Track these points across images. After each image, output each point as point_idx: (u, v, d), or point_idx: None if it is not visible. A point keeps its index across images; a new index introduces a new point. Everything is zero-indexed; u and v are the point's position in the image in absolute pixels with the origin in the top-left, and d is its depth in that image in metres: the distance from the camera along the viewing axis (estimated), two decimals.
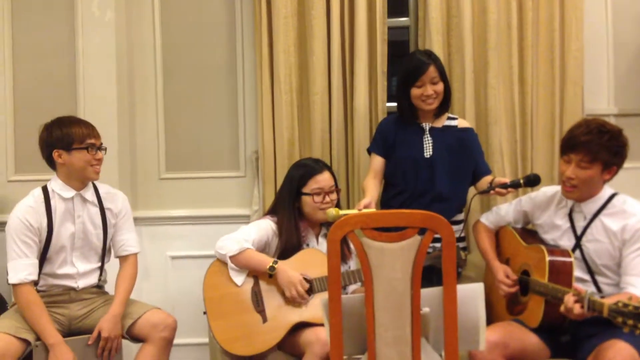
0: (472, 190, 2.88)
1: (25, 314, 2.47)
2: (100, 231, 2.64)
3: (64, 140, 2.52)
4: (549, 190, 2.62)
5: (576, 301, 2.13)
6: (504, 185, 2.58)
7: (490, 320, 2.55)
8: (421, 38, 3.29)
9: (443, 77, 2.79)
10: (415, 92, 2.79)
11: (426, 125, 2.84)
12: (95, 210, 2.64)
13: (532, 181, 2.57)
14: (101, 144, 2.63)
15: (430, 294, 1.83)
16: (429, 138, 2.82)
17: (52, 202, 2.56)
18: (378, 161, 2.91)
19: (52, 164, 2.59)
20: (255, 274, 2.61)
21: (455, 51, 3.22)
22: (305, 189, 2.70)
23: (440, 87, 2.78)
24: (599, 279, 2.40)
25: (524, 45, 3.23)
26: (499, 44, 3.21)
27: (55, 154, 2.54)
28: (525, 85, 3.25)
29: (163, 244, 3.42)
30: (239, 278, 2.58)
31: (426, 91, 2.75)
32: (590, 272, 2.42)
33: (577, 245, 2.44)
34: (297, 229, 2.70)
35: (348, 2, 3.23)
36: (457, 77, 3.18)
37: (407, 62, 2.88)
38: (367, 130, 3.23)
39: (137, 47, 3.40)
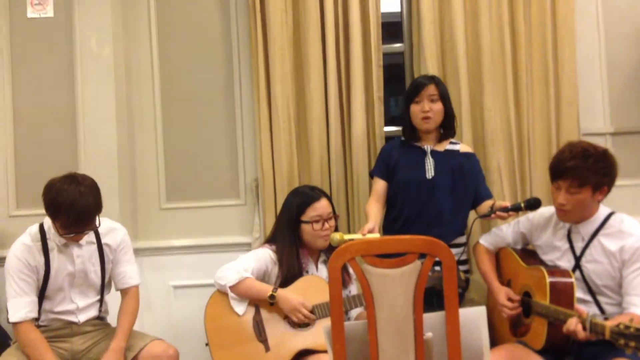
0: (473, 214, 2.89)
1: (27, 352, 2.45)
2: (99, 268, 2.63)
3: (49, 211, 2.43)
4: (546, 211, 2.62)
5: (578, 323, 2.13)
6: (505, 209, 2.59)
7: (494, 342, 2.55)
8: (416, 63, 3.33)
9: (444, 99, 2.84)
10: (413, 108, 2.83)
11: (428, 148, 2.87)
12: (93, 248, 2.61)
13: (533, 205, 2.58)
14: (87, 232, 2.49)
15: (432, 319, 1.83)
16: (431, 160, 2.84)
17: (49, 243, 2.54)
18: (380, 185, 2.92)
19: None
20: (256, 303, 2.60)
21: (450, 75, 3.26)
22: (304, 217, 2.71)
23: (438, 106, 2.81)
24: (601, 299, 2.40)
25: (518, 67, 3.27)
26: (493, 67, 3.25)
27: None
28: (521, 107, 3.28)
29: (165, 273, 3.41)
30: (240, 307, 2.58)
31: (423, 107, 2.79)
32: (592, 292, 2.41)
33: (577, 266, 2.44)
34: (298, 256, 2.71)
35: (343, 30, 3.27)
36: (453, 100, 3.18)
37: (410, 84, 2.96)
38: (365, 155, 3.26)
39: (136, 81, 3.44)
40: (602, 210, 2.46)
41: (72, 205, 2.36)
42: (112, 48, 3.28)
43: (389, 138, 3.28)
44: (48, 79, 3.31)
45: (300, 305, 2.55)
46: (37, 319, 2.53)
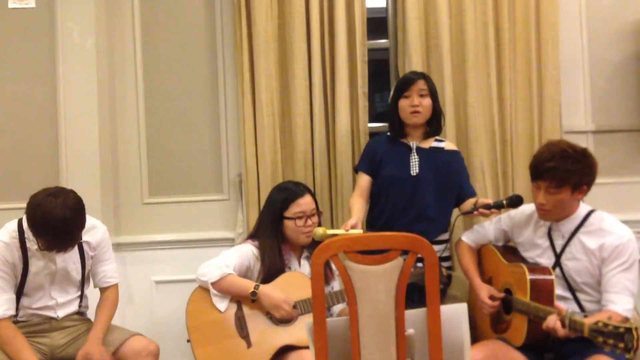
0: (456, 211, 2.90)
1: (5, 350, 2.42)
2: (79, 265, 2.61)
3: (33, 231, 2.41)
4: (527, 209, 2.64)
5: (557, 321, 2.15)
6: (487, 206, 2.61)
7: (475, 338, 2.56)
8: (401, 59, 3.33)
9: (432, 95, 2.85)
10: (402, 103, 2.84)
11: (413, 144, 2.87)
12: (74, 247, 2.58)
13: (515, 202, 2.60)
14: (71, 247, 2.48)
15: (414, 316, 1.83)
16: (416, 157, 2.85)
17: (28, 243, 2.50)
18: (365, 180, 2.92)
19: None
20: (238, 299, 2.60)
21: (434, 71, 3.27)
22: (287, 213, 2.70)
23: (427, 101, 2.83)
24: (580, 296, 2.42)
25: (502, 65, 3.29)
26: (477, 64, 3.26)
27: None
28: (504, 104, 3.30)
29: (147, 269, 3.38)
30: (222, 304, 2.57)
31: (412, 102, 2.80)
32: (571, 289, 2.43)
33: (557, 264, 2.46)
34: (280, 253, 2.70)
35: (328, 26, 3.27)
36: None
37: (399, 79, 2.97)
38: (349, 151, 3.26)
39: (119, 73, 3.40)
40: (583, 209, 2.48)
41: (58, 231, 2.35)
42: (94, 40, 3.23)
43: (373, 134, 3.29)
44: (29, 70, 3.26)
45: (283, 301, 2.54)
46: (15, 315, 2.50)
